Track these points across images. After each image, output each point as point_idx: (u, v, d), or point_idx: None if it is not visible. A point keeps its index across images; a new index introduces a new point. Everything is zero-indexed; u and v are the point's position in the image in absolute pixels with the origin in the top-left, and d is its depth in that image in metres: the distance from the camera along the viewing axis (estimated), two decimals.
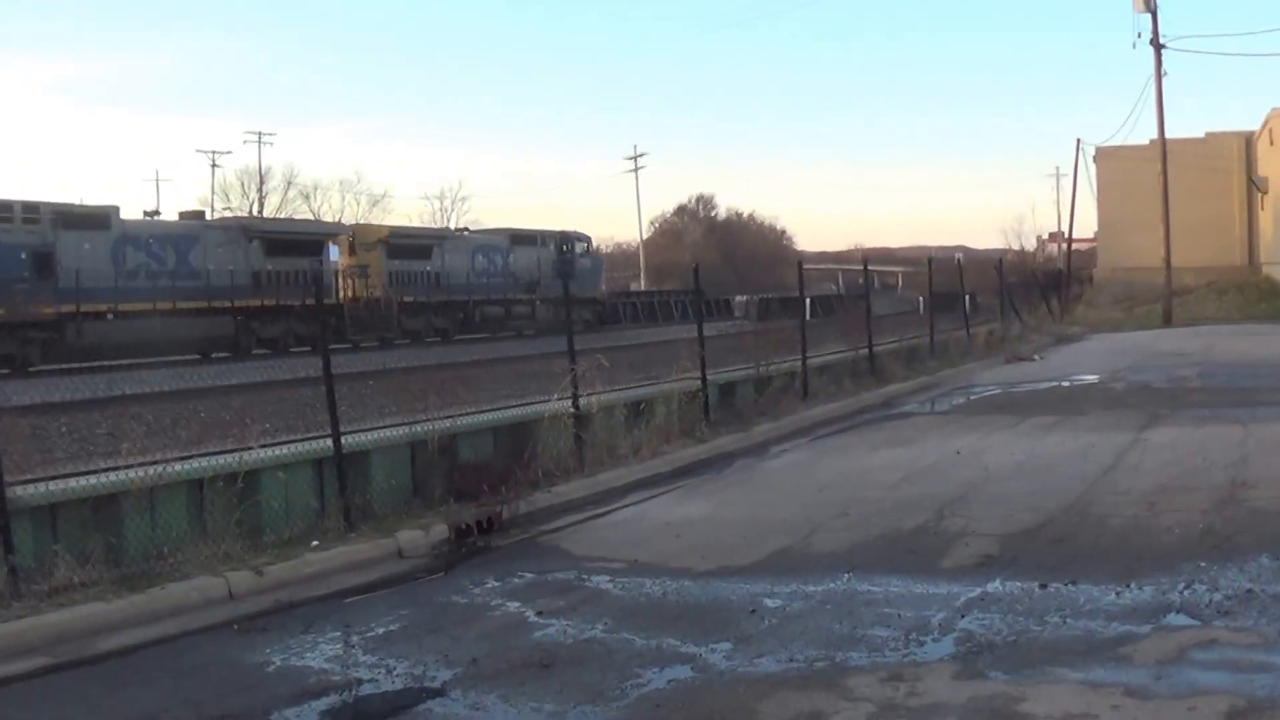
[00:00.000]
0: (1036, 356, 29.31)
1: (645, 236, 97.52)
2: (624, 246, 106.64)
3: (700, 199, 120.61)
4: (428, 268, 37.05)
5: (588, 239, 45.66)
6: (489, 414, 13.85)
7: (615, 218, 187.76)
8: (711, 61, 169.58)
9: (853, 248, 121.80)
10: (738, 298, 51.58)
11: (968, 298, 35.47)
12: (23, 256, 26.68)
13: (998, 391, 21.82)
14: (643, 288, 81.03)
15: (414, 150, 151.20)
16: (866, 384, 21.75)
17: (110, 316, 28.23)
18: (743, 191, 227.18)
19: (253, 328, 32.10)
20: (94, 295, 27.86)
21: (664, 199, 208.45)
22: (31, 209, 27.87)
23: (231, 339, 31.55)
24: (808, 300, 41.72)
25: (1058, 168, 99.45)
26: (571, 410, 13.84)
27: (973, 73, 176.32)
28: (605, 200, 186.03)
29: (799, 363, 19.76)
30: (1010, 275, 40.36)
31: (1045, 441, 14.78)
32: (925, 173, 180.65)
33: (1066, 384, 22.56)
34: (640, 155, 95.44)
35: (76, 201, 30.61)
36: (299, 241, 34.07)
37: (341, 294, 34.71)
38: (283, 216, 60.39)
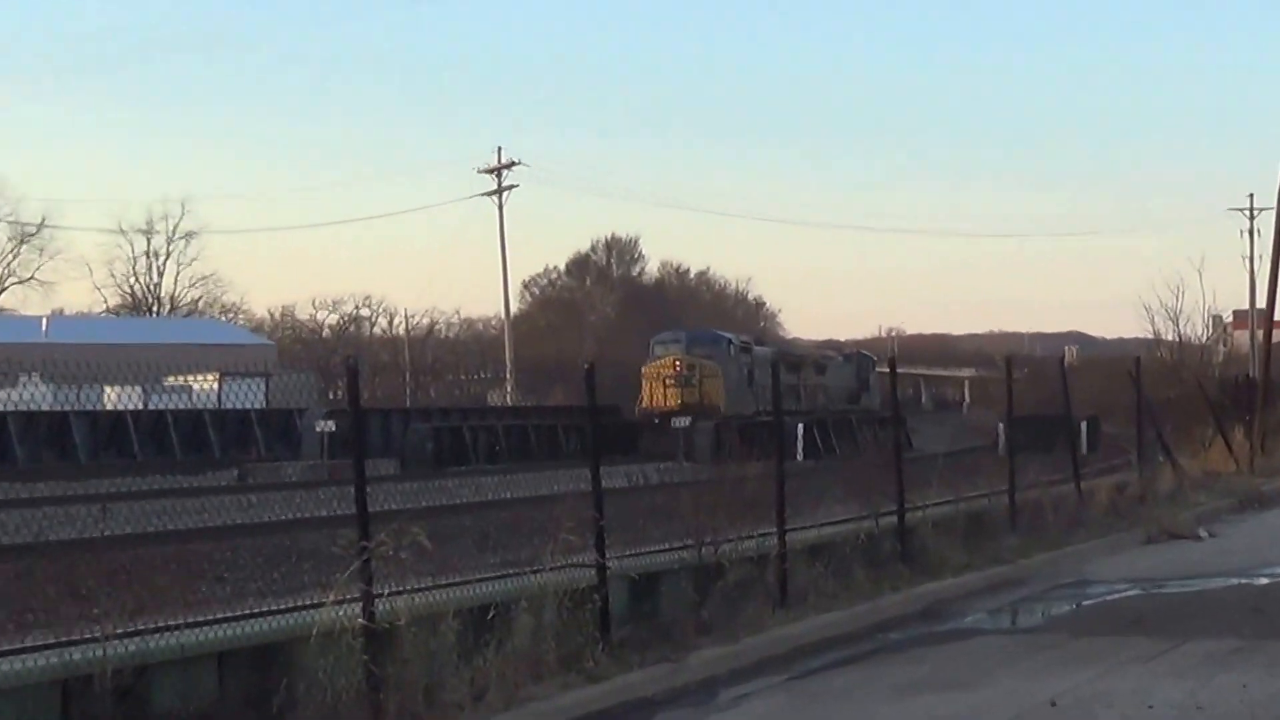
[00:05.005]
0: (1204, 532, 22.99)
1: (515, 310, 67.01)
2: (481, 326, 73.72)
3: (613, 244, 77.62)
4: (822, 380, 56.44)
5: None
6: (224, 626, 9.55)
7: (467, 278, 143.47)
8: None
9: (881, 334, 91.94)
10: (678, 420, 36.72)
11: (1083, 424, 27.77)
12: (847, 382, 51.96)
13: (1132, 593, 16.79)
14: (509, 401, 57.80)
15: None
16: (894, 578, 15.81)
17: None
18: (691, 238, 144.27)
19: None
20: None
21: (547, 249, 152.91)
22: (835, 358, 54.41)
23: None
24: (799, 427, 36.51)
25: (1252, 202, 69.92)
26: (361, 622, 9.86)
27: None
28: (450, 250, 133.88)
29: (774, 538, 13.92)
30: (1158, 385, 32.07)
31: (1212, 685, 11.25)
32: (997, 219, 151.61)
33: (1262, 581, 17.32)
34: (507, 165, 60.53)
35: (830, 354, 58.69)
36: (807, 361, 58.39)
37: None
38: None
